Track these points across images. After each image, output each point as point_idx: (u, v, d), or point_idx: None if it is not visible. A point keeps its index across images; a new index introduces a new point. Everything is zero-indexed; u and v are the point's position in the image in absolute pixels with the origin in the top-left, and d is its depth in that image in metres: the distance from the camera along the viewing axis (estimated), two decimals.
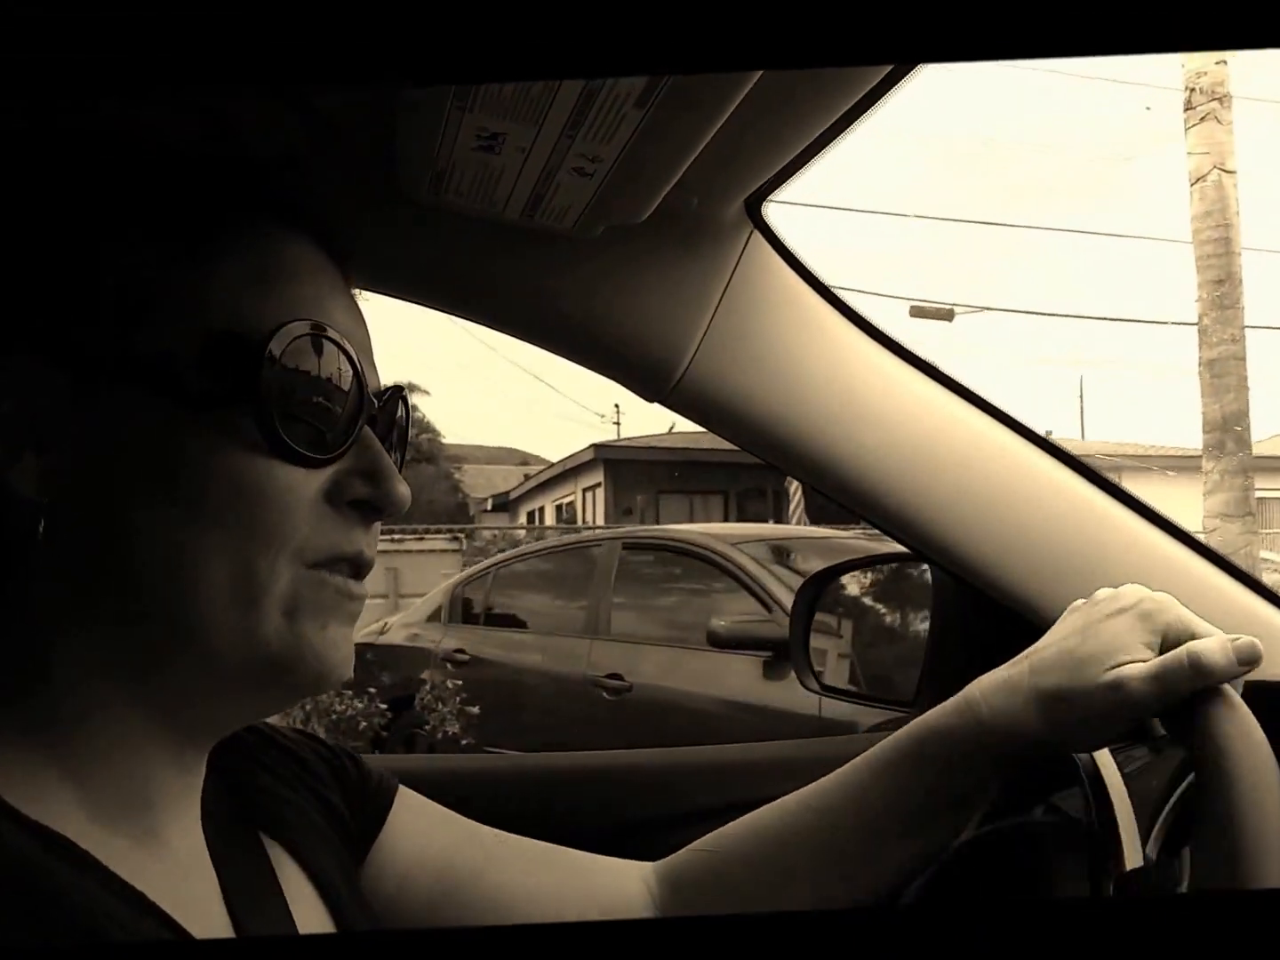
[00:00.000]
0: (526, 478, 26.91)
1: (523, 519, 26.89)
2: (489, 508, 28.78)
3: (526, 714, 6.14)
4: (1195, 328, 10.49)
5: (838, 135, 0.98)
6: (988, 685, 0.85)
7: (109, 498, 0.62)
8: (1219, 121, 10.37)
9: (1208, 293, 10.24)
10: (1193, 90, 10.38)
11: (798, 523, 18.32)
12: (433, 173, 0.90)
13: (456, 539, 15.00)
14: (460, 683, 6.42)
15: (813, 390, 1.12)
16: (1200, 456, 10.46)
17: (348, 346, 0.66)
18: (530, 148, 0.84)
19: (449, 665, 6.75)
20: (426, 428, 35.36)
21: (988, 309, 17.95)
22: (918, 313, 17.70)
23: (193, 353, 0.62)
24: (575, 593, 6.39)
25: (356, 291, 0.74)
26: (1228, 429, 9.93)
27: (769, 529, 7.54)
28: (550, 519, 24.80)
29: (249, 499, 0.62)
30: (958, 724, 0.85)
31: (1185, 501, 10.28)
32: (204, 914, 0.65)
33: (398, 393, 0.74)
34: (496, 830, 0.92)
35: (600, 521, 20.36)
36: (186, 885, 0.65)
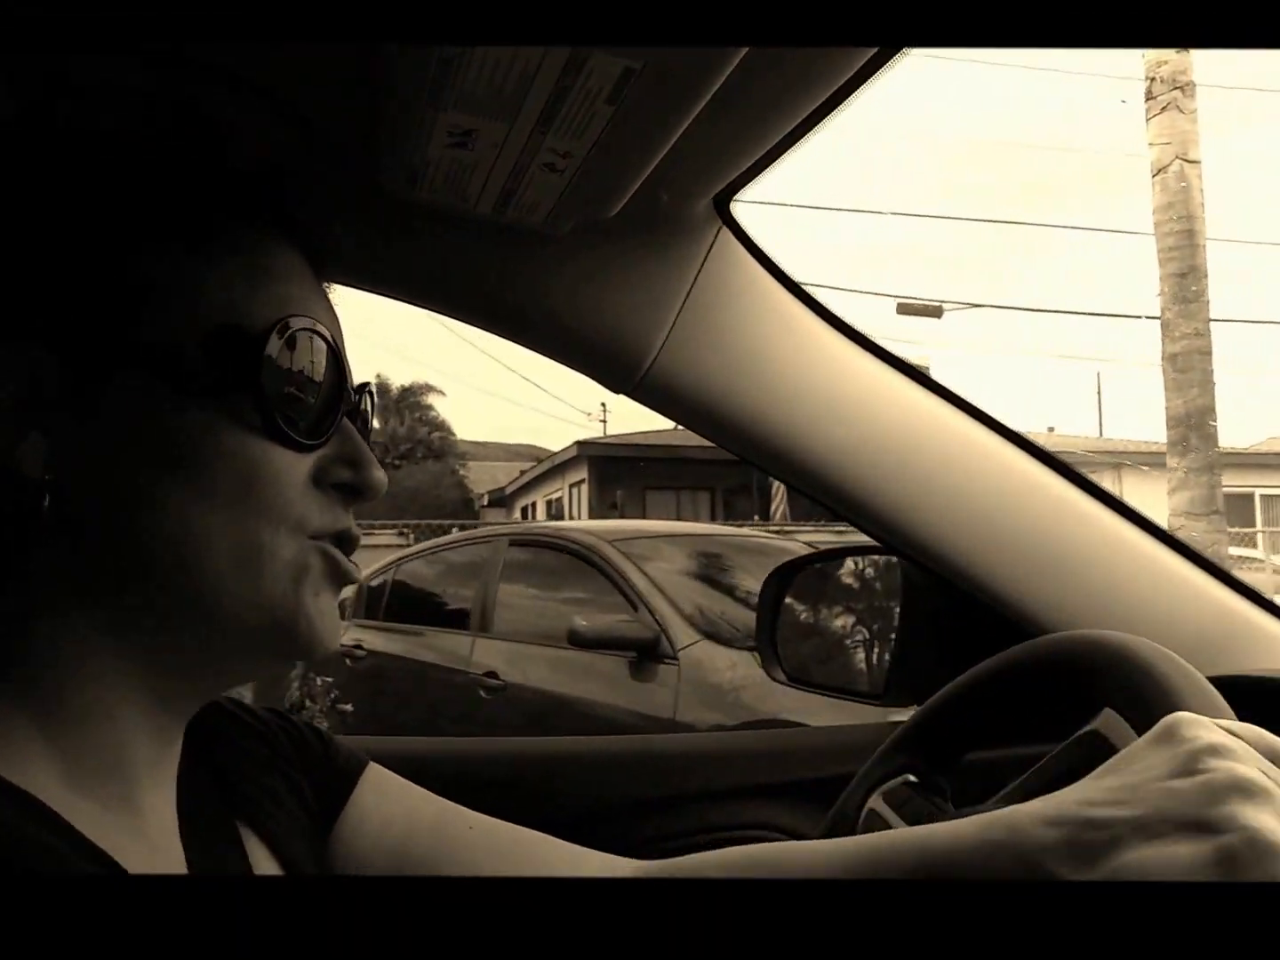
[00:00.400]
0: (522, 473, 26.86)
1: (517, 514, 26.89)
2: (486, 503, 28.78)
3: (409, 711, 6.06)
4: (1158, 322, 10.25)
5: (806, 133, 0.99)
6: (1024, 838, 0.65)
7: (113, 476, 0.65)
8: (1181, 111, 10.12)
9: (1170, 286, 10.03)
10: (1153, 80, 10.14)
11: (780, 519, 18.18)
12: (407, 170, 0.93)
13: (403, 534, 14.93)
14: (331, 680, 6.31)
15: (779, 383, 1.14)
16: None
17: (334, 343, 0.72)
18: (502, 144, 0.85)
19: (348, 661, 6.66)
20: (439, 426, 35.35)
21: (977, 305, 17.69)
22: (905, 309, 17.51)
23: (196, 343, 0.66)
24: (465, 588, 6.29)
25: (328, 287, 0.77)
26: (1192, 425, 9.68)
27: (666, 526, 7.36)
28: (542, 514, 24.80)
29: (247, 477, 0.66)
30: (976, 865, 0.67)
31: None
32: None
33: (364, 388, 0.77)
34: (474, 815, 0.90)
35: (585, 516, 20.30)
36: (153, 857, 0.66)
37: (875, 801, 0.95)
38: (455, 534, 8.33)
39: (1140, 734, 0.67)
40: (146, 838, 0.67)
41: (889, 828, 0.91)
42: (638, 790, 1.34)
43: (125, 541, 0.65)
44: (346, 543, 0.72)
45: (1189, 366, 9.68)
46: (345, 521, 0.72)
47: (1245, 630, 1.13)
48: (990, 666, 0.89)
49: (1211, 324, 10.02)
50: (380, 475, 0.73)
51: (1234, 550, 14.24)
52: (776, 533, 15.30)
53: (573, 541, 5.82)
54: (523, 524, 7.27)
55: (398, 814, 0.87)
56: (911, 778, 0.94)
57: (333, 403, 0.71)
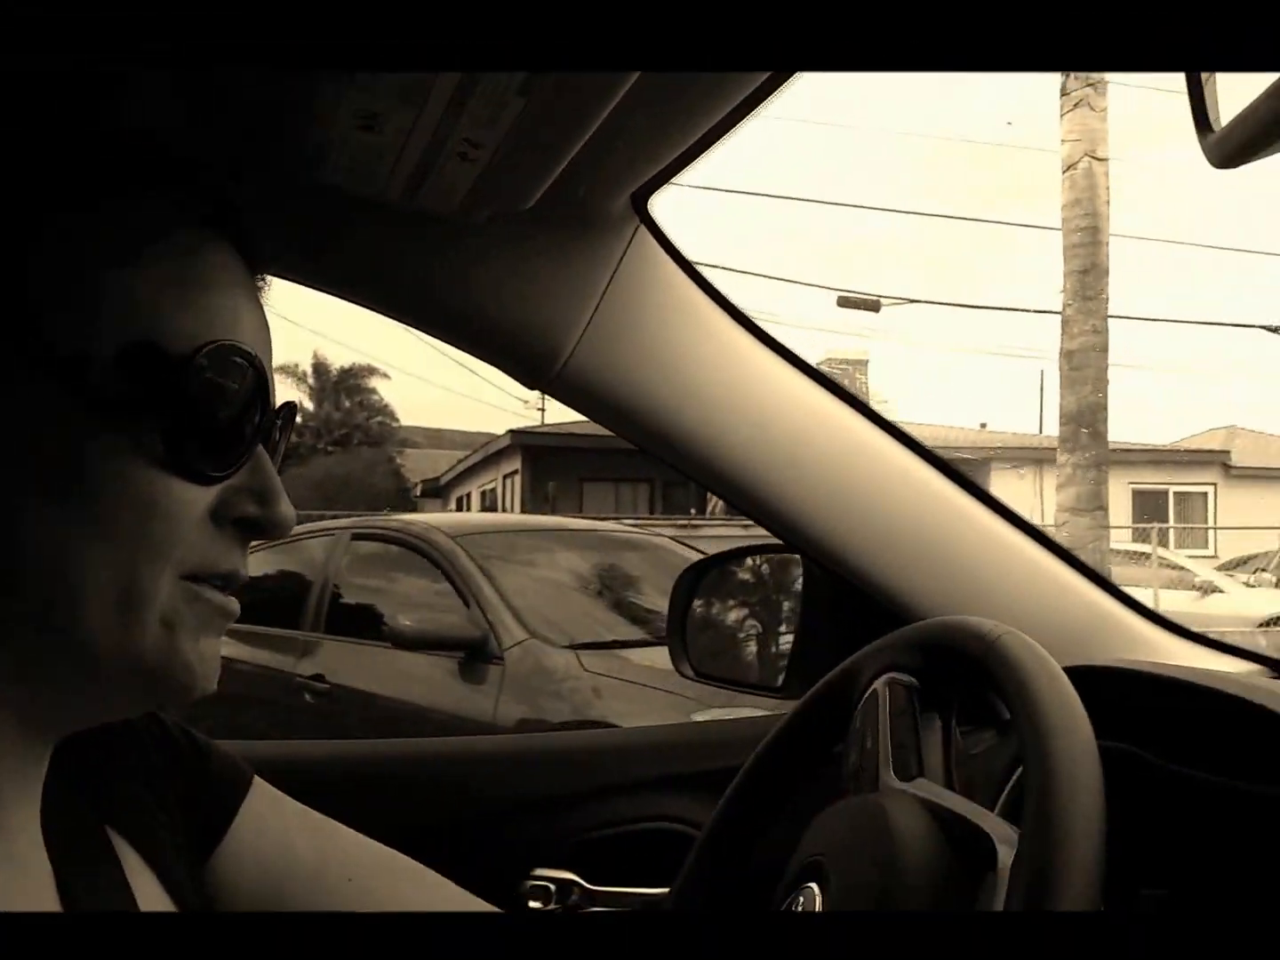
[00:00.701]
0: (460, 462, 26.55)
1: (453, 505, 26.59)
2: (420, 493, 28.38)
3: (228, 717, 5.79)
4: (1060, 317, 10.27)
5: (726, 131, 0.98)
6: None
7: (2, 490, 0.61)
8: (1092, 108, 10.13)
9: (1072, 283, 10.05)
10: (1067, 75, 10.10)
11: (722, 513, 18.09)
12: (311, 150, 0.91)
13: None
14: None
15: (692, 383, 1.16)
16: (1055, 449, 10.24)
17: (262, 366, 0.67)
18: (411, 129, 0.84)
19: None
20: (380, 410, 34.86)
21: (914, 300, 17.72)
22: (845, 302, 17.54)
23: (109, 357, 0.61)
24: (305, 585, 6.04)
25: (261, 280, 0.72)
26: (1083, 422, 9.69)
27: (512, 519, 7.24)
28: (477, 505, 24.54)
29: (141, 510, 0.62)
30: None
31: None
32: (35, 908, 0.63)
33: (285, 409, 0.73)
34: (357, 860, 0.87)
35: (518, 509, 20.11)
36: (19, 878, 0.64)
37: (881, 685, 0.94)
38: (304, 527, 8.08)
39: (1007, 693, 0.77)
40: (10, 859, 0.64)
41: (876, 724, 0.92)
42: (552, 785, 1.35)
43: (3, 564, 0.62)
44: (232, 584, 0.68)
45: (1084, 364, 9.71)
46: (235, 562, 0.67)
47: (1106, 623, 1.23)
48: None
49: (1110, 320, 10.05)
50: (288, 511, 0.68)
51: (1120, 545, 14.31)
52: (684, 526, 15.21)
53: (415, 536, 5.61)
54: (368, 517, 7.04)
55: (276, 858, 0.84)
56: (916, 684, 0.93)
57: (249, 431, 0.66)
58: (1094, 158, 9.96)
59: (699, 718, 4.09)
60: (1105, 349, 9.78)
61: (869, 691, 0.95)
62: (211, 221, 0.68)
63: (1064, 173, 10.11)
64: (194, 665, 0.65)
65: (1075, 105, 10.03)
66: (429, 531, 5.60)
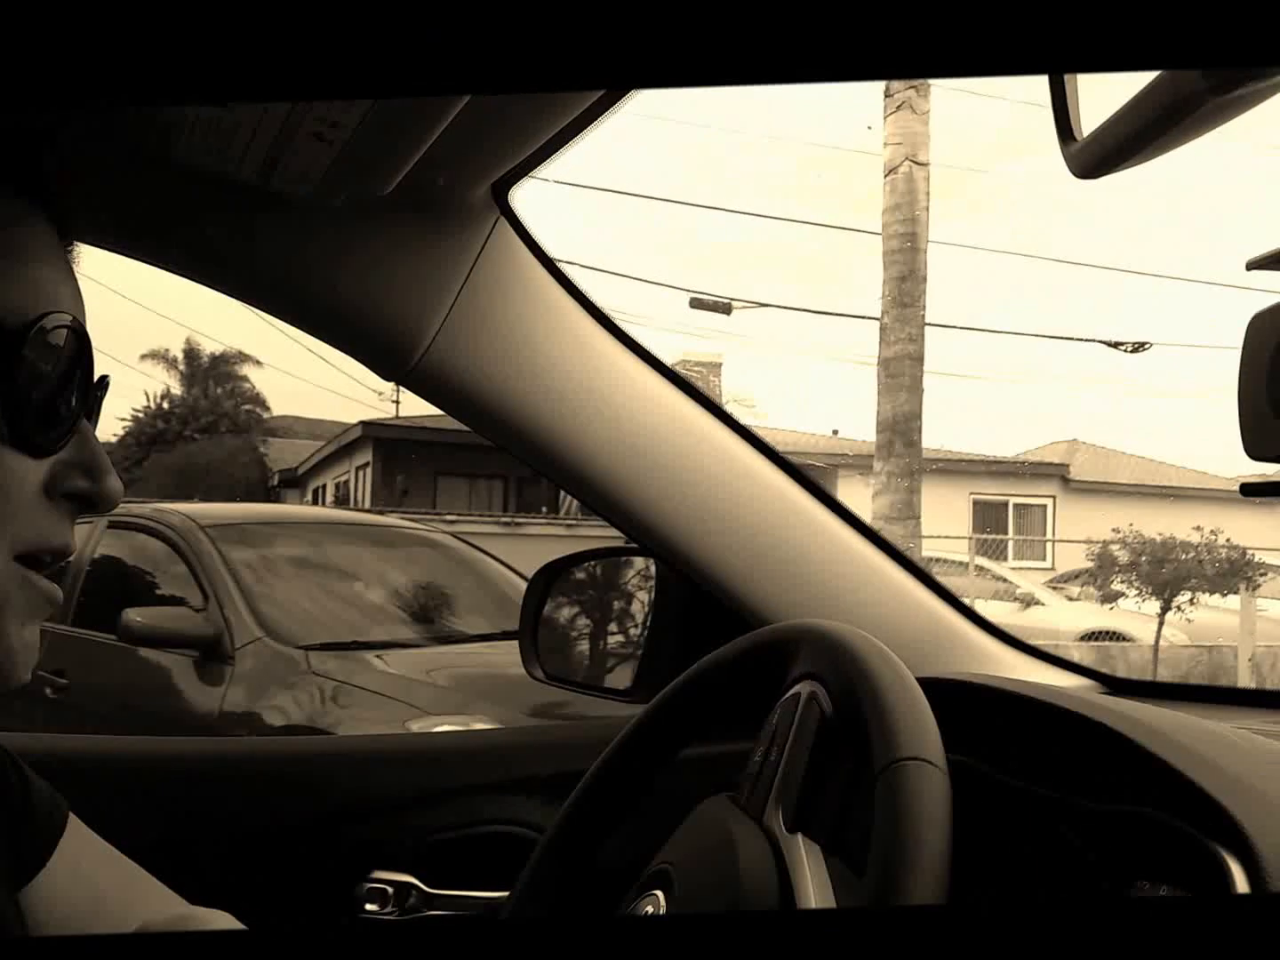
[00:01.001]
0: (315, 453, 26.04)
1: (309, 496, 26.13)
2: (277, 483, 27.81)
3: None
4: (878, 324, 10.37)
5: (589, 123, 0.99)
6: None
7: None
8: (914, 111, 10.08)
9: (890, 289, 10.07)
10: None
11: (577, 512, 18.00)
12: (161, 126, 0.91)
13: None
14: None
15: (549, 380, 1.16)
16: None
17: (86, 336, 0.67)
18: (265, 106, 0.84)
19: None
20: (250, 399, 34.06)
21: (764, 305, 17.80)
22: (697, 304, 17.59)
23: None
24: (58, 573, 5.80)
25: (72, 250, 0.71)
26: (897, 430, 9.77)
27: (286, 511, 7.10)
28: (331, 497, 24.16)
29: None
30: None
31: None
32: None
33: (103, 382, 0.71)
34: (165, 898, 0.85)
35: (368, 502, 19.81)
36: None
37: (805, 693, 0.87)
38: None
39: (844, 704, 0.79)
40: None
41: (786, 737, 0.86)
42: (393, 787, 1.34)
43: None
44: (60, 559, 0.68)
45: (900, 372, 9.77)
46: (65, 536, 0.67)
47: (947, 634, 1.26)
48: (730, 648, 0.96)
49: (926, 329, 10.16)
50: (117, 485, 0.68)
51: (952, 555, 14.60)
52: (509, 522, 15.10)
53: (167, 527, 5.43)
54: (123, 507, 6.79)
55: (84, 905, 0.81)
56: (831, 712, 0.84)
57: (79, 402, 0.67)
58: (915, 162, 9.94)
59: (415, 727, 4.01)
60: (921, 358, 9.87)
61: (791, 693, 0.89)
62: (25, 191, 0.66)
63: (885, 177, 10.12)
64: (16, 652, 0.64)
65: (898, 108, 9.98)
66: (183, 524, 5.44)
